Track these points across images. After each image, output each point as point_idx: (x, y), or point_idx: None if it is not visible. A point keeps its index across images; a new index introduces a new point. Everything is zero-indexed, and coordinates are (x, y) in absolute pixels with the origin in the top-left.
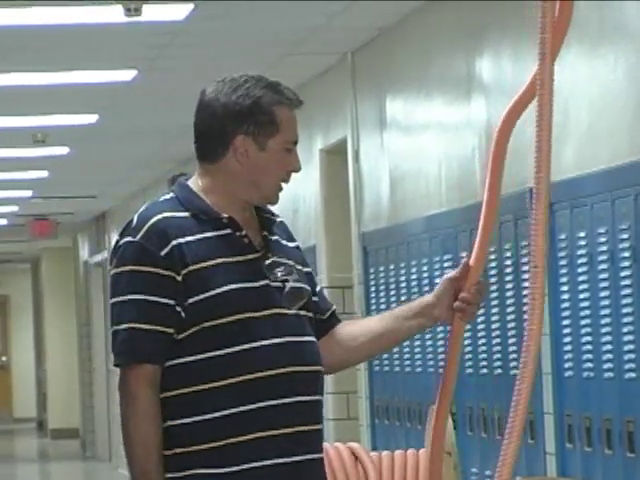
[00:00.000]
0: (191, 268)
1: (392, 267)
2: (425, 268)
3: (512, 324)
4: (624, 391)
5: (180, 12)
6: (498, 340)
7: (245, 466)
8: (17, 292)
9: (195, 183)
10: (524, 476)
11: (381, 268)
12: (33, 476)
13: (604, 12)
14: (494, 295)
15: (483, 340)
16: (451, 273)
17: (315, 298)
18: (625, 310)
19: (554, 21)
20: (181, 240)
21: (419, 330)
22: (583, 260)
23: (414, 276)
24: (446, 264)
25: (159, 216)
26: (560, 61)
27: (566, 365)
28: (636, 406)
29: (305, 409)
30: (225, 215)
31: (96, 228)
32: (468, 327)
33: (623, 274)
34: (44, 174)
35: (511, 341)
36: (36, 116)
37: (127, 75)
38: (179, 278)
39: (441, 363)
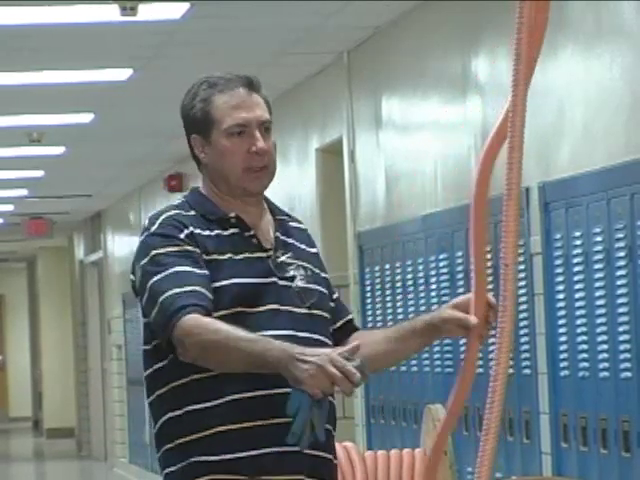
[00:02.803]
0: (205, 258)
1: (388, 267)
2: (421, 267)
3: None
4: (620, 391)
5: (176, 11)
6: (494, 340)
7: (241, 454)
8: (12, 291)
9: (202, 188)
10: (519, 476)
11: (377, 268)
12: (29, 475)
13: (600, 12)
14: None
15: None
16: (454, 301)
17: (332, 304)
18: (620, 310)
19: (531, 21)
20: (194, 230)
21: (420, 349)
22: (579, 260)
23: (410, 275)
24: (442, 263)
25: (169, 212)
26: (556, 60)
27: (561, 365)
28: (632, 405)
29: None
30: (232, 214)
31: (91, 227)
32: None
33: (618, 274)
34: (40, 173)
35: None
36: (32, 115)
37: (123, 74)
38: (205, 256)
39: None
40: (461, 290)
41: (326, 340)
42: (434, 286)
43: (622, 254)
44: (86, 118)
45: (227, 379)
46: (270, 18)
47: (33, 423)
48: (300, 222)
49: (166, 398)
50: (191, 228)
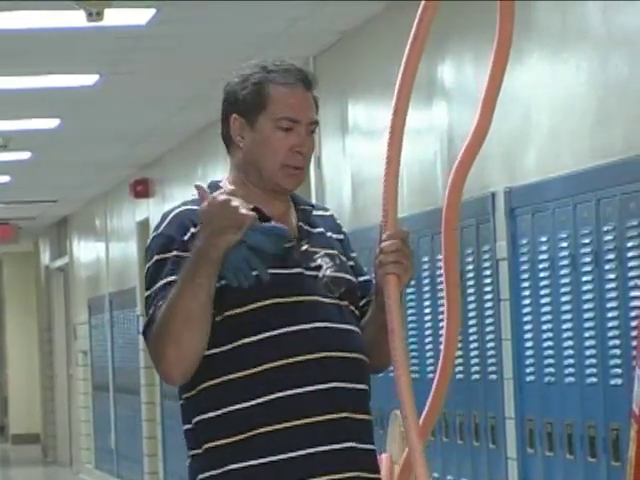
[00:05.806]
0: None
1: None
2: None
3: (473, 329)
4: (585, 396)
5: (142, 16)
6: (458, 345)
7: (281, 456)
8: None
9: (226, 180)
10: None
11: None
12: None
13: (566, 16)
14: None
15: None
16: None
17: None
18: (586, 315)
19: (431, 20)
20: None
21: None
22: (544, 265)
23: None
24: None
25: (180, 209)
26: (522, 65)
27: (527, 370)
28: (597, 411)
29: (343, 396)
30: (250, 206)
31: (57, 232)
32: (430, 332)
33: (584, 279)
34: (6, 179)
35: (473, 346)
36: None
37: (89, 79)
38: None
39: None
40: (427, 295)
41: (357, 329)
42: None
43: (588, 259)
44: (52, 123)
45: (248, 382)
46: (236, 23)
47: None
48: (325, 209)
49: (195, 400)
50: (196, 229)
